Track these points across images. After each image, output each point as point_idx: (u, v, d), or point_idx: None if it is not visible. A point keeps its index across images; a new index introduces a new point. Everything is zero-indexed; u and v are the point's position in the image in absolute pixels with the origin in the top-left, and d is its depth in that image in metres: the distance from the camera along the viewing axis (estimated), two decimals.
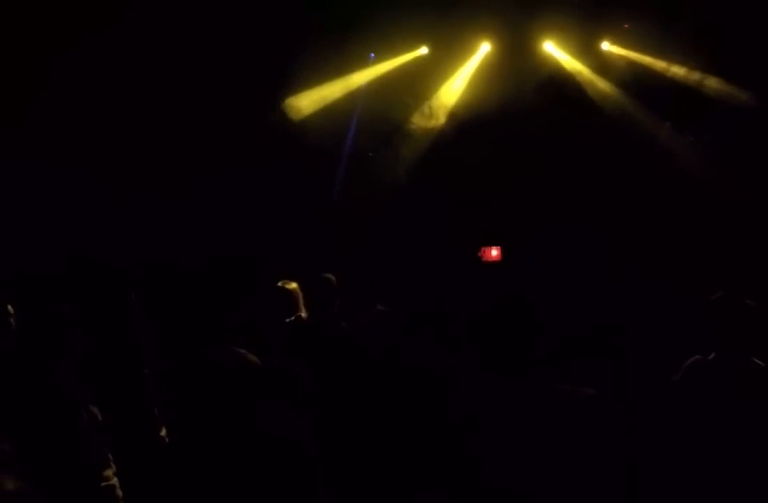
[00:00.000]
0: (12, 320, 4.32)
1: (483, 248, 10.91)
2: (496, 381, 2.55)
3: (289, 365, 4.53)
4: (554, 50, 11.64)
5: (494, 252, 10.92)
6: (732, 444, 3.80)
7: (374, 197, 11.28)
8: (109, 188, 8.64)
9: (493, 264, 10.69)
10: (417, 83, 11.67)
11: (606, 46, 11.52)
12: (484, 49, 11.75)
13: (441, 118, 11.79)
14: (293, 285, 5.91)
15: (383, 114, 11.52)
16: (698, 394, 3.95)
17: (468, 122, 11.45)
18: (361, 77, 11.89)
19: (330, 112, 11.41)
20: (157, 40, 8.57)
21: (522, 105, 10.51)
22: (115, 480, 3.58)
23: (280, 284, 5.91)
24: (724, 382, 3.91)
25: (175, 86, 9.21)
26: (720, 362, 3.99)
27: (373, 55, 11.98)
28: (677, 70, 10.95)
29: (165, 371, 4.64)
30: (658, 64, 11.13)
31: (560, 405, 2.48)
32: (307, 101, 11.38)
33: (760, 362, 3.99)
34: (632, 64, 11.23)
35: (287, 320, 5.63)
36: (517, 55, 11.28)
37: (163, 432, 4.47)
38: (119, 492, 3.60)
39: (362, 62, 11.79)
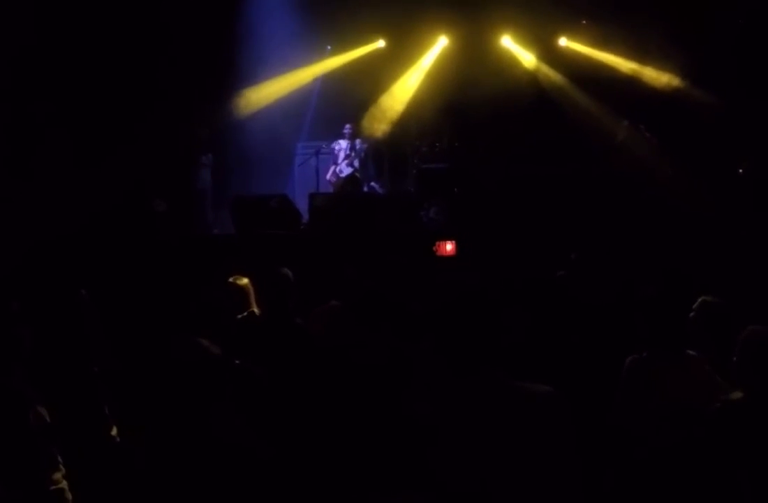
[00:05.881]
0: None
1: (438, 243, 10.89)
2: (451, 378, 2.54)
3: (249, 366, 4.48)
4: (512, 45, 11.69)
5: (449, 246, 10.91)
6: (677, 438, 3.82)
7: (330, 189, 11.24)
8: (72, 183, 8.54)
9: (448, 259, 10.68)
10: (373, 76, 11.64)
11: (564, 41, 11.59)
12: (441, 42, 11.76)
13: (391, 118, 11.75)
14: (244, 281, 5.80)
15: (339, 106, 11.48)
16: (640, 392, 4.00)
17: (424, 115, 11.45)
18: (317, 69, 11.84)
19: (285, 105, 11.35)
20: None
21: (479, 99, 10.53)
22: (64, 483, 3.51)
23: (231, 279, 5.81)
24: (663, 378, 3.95)
25: (138, 78, 9.15)
26: (654, 358, 4.05)
27: (329, 47, 11.93)
28: (634, 67, 11.05)
29: (116, 368, 4.57)
30: (615, 59, 11.22)
31: (515, 401, 2.47)
32: (263, 93, 11.29)
33: (693, 353, 4.06)
34: (589, 60, 11.32)
35: (239, 316, 5.54)
36: (474, 49, 11.30)
37: (114, 432, 4.40)
38: (68, 495, 3.53)
39: (319, 54, 11.75)
